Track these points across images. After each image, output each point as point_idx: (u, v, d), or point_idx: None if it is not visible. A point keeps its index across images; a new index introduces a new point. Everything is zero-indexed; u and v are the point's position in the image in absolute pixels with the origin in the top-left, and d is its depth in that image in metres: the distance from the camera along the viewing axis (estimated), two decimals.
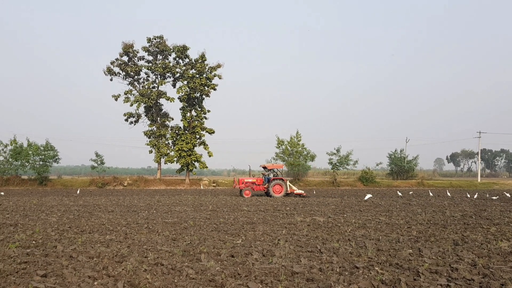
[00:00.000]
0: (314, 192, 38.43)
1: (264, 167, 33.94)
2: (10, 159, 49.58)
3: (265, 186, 31.76)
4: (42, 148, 50.57)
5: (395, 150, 66.39)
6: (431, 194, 36.19)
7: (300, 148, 53.46)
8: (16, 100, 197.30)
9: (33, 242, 10.75)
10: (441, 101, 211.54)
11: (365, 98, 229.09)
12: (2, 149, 49.88)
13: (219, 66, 51.22)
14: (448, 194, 35.77)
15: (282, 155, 54.02)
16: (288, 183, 31.97)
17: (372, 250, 10.00)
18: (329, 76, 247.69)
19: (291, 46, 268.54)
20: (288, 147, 53.64)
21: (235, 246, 10.49)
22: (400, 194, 35.79)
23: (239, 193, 32.22)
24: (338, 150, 55.00)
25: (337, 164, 54.94)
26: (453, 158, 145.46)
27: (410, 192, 39.61)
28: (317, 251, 9.92)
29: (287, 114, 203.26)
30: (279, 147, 54.18)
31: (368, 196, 28.19)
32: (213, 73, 50.99)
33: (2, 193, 35.56)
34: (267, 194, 31.43)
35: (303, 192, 32.30)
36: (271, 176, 32.14)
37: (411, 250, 10.04)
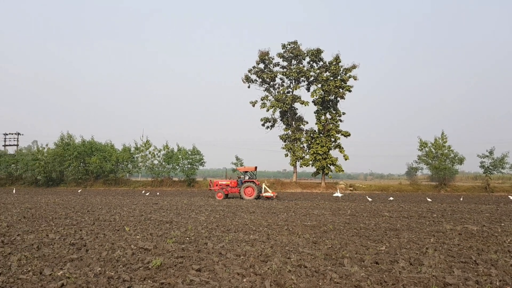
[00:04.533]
0: (462, 199, 35.13)
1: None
2: (163, 163, 55.35)
3: (239, 188, 31.51)
4: (189, 153, 55.42)
5: None
6: None
7: (446, 151, 49.68)
8: (168, 109, 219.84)
9: (187, 238, 11.71)
10: None
11: None
12: (157, 154, 56.07)
13: (354, 67, 50.20)
14: None
15: (425, 158, 50.83)
16: (263, 185, 31.92)
17: None
18: (478, 71, 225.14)
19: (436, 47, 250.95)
20: (432, 150, 50.28)
21: (379, 252, 10.05)
22: None
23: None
24: (491, 152, 49.87)
25: (490, 167, 49.69)
26: None
27: None
28: (471, 262, 9.02)
29: (430, 115, 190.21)
30: (422, 149, 51.15)
31: None
32: (348, 75, 50.18)
33: (158, 193, 39.88)
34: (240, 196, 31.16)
35: (272, 195, 31.00)
36: (246, 178, 31.92)
37: None
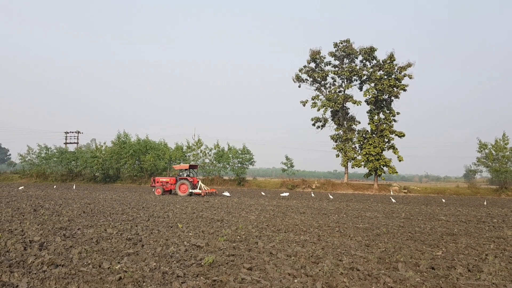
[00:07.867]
0: None
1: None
2: (214, 162, 56.27)
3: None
4: (240, 152, 55.94)
5: None
6: None
7: (508, 153, 47.02)
8: (219, 110, 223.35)
9: (238, 237, 11.81)
10: None
11: None
12: (208, 153, 57.07)
13: (409, 65, 48.70)
14: None
15: (485, 160, 48.40)
16: (200, 183, 33.55)
17: None
18: None
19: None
20: (493, 152, 47.78)
21: (435, 257, 9.66)
22: None
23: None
24: None
25: None
26: None
27: None
28: None
29: (490, 114, 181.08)
30: (481, 151, 48.77)
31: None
32: (402, 73, 48.72)
33: None
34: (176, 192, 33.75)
35: (200, 192, 32.50)
36: (184, 176, 34.11)
37: None
